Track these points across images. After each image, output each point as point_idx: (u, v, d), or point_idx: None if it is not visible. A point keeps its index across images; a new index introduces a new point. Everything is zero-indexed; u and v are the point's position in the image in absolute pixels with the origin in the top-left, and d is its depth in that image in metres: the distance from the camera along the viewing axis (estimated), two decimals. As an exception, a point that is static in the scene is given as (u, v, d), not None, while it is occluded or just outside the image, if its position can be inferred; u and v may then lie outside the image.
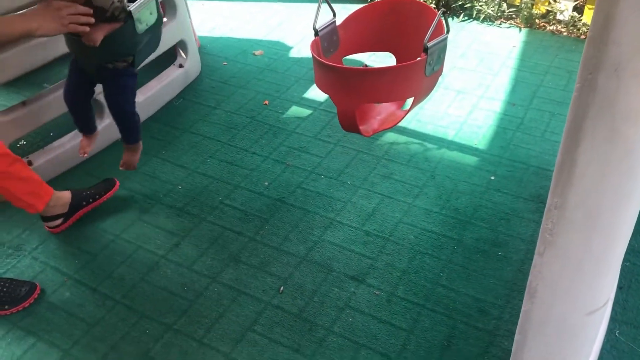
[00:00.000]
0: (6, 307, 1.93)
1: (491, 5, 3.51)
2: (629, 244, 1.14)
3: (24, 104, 2.32)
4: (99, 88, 2.13)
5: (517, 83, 2.97)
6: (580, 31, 3.36)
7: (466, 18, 3.57)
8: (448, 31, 1.53)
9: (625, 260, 1.95)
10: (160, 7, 2.00)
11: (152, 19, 1.94)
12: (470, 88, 2.95)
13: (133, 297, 1.98)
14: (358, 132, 1.70)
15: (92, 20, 1.77)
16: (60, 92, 2.40)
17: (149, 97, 2.84)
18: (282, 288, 1.98)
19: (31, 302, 1.96)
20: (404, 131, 2.67)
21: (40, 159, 2.44)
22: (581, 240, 1.00)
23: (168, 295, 1.98)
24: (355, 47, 1.81)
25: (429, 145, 2.58)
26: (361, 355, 1.76)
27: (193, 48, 3.08)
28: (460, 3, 3.59)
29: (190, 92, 3.04)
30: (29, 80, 2.93)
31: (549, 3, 3.43)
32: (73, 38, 1.86)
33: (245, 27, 3.65)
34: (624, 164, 0.91)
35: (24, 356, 1.81)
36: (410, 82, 1.55)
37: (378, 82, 1.53)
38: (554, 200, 0.99)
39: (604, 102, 0.87)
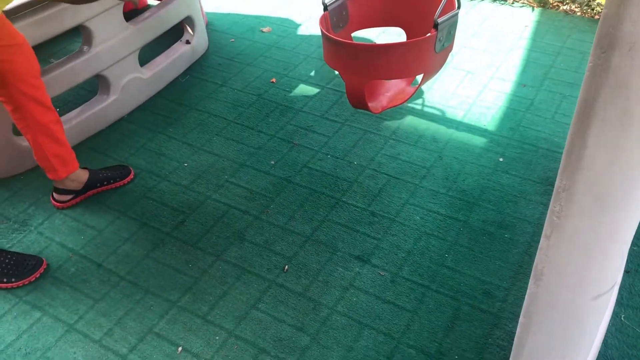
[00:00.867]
0: (13, 280, 1.94)
1: (504, -16, 3.45)
2: (638, 228, 1.12)
3: (30, 78, 2.30)
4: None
5: (528, 64, 2.92)
6: (595, 11, 3.29)
7: (478, -4, 3.51)
8: (459, 7, 1.50)
9: (633, 244, 1.93)
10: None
11: None
12: (480, 68, 2.90)
13: (138, 274, 1.98)
14: (367, 108, 1.68)
15: None
16: (65, 68, 2.39)
17: (156, 73, 2.82)
18: (286, 267, 1.98)
19: (37, 276, 1.97)
20: (412, 111, 2.64)
21: (47, 134, 2.44)
22: (589, 223, 0.98)
23: (173, 272, 1.98)
24: (364, 22, 1.79)
25: (437, 126, 2.55)
26: (364, 335, 1.76)
27: (200, 24, 3.05)
28: (472, -19, 3.52)
29: (197, 68, 3.01)
30: (36, 56, 2.91)
31: (563, -18, 3.36)
32: None
33: (253, 3, 3.61)
34: (635, 147, 0.89)
35: (29, 330, 1.82)
36: (420, 59, 1.53)
37: (388, 58, 1.51)
38: (562, 183, 0.97)
39: (617, 83, 0.84)
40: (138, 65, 2.72)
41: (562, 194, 0.98)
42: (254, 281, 1.94)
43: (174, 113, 2.72)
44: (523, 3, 3.44)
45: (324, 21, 1.63)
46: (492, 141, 2.45)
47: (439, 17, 1.45)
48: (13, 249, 2.07)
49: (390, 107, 2.00)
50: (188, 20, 2.98)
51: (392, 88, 1.90)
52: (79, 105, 2.61)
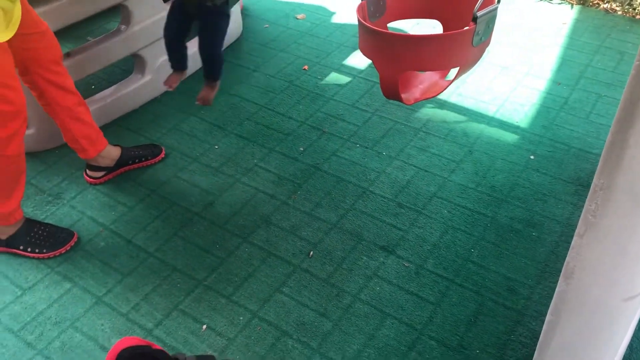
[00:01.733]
0: (44, 251, 1.99)
1: (543, -21, 3.39)
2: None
3: (68, 54, 2.35)
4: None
5: (564, 62, 2.88)
6: (636, 11, 3.22)
7: (516, -9, 3.46)
8: (499, 1, 1.48)
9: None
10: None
11: None
12: (515, 64, 2.87)
13: (166, 251, 2.02)
14: (399, 99, 1.67)
15: None
16: (101, 46, 2.43)
17: (191, 55, 2.83)
18: (311, 252, 2.00)
19: (68, 249, 2.02)
20: (444, 104, 2.62)
21: (82, 110, 2.48)
22: (625, 224, 0.98)
23: (200, 252, 2.01)
24: (402, 13, 1.77)
25: (469, 120, 2.53)
26: (386, 324, 1.77)
27: (236, 9, 3.06)
28: (511, -25, 3.47)
29: (230, 53, 3.03)
30: (73, 34, 2.96)
31: (605, -20, 3.29)
32: None
33: (289, -11, 3.61)
34: (678, 148, 0.88)
35: (59, 299, 1.87)
36: (456, 52, 1.52)
37: (423, 50, 1.50)
38: (600, 181, 0.96)
39: (664, 82, 0.83)
40: (173, 46, 2.74)
41: (599, 192, 0.97)
42: (279, 265, 1.96)
43: (206, 95, 2.74)
44: (562, 0, 3.38)
45: (360, 10, 1.62)
46: (523, 138, 2.43)
47: (479, 10, 1.44)
48: (47, 221, 2.12)
49: (423, 100, 1.99)
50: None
51: (426, 80, 1.88)
52: (114, 84, 2.65)
